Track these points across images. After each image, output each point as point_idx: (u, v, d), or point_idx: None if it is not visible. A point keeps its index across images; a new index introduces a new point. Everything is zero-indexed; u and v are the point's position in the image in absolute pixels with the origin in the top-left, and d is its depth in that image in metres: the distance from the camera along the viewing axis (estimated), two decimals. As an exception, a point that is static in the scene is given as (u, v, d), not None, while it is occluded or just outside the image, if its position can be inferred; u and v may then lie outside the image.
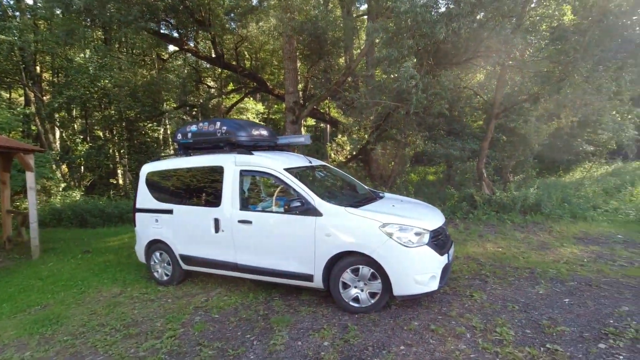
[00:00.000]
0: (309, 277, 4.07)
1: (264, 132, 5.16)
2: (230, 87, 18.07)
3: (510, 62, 8.76)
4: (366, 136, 10.91)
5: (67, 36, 11.09)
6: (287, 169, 4.37)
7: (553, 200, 8.56)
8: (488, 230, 7.32)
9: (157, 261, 5.28)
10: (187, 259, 4.93)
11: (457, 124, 15.79)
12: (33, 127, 16.29)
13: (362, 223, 3.81)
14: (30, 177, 7.16)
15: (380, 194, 5.08)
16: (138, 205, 5.42)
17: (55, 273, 6.00)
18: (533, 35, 8.58)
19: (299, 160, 4.91)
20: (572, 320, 3.48)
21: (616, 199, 9.22)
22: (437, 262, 3.74)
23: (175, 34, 12.26)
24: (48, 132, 16.26)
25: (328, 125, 21.45)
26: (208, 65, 17.66)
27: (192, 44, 13.54)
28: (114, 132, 15.70)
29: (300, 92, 15.59)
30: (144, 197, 5.34)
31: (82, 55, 14.15)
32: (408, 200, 5.01)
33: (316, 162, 5.25)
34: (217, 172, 4.74)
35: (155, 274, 5.30)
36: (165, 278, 5.21)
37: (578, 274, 4.71)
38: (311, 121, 23.41)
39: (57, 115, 16.05)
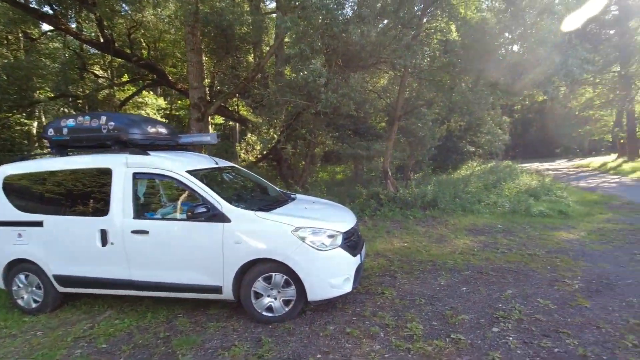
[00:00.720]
0: (217, 289, 3.69)
1: (163, 130, 4.57)
2: (125, 78, 16.10)
3: (410, 70, 9.48)
4: (275, 136, 10.71)
5: None
6: (190, 171, 3.91)
7: (447, 196, 9.51)
8: (394, 226, 7.75)
9: (21, 285, 4.28)
10: (65, 280, 4.08)
11: (363, 125, 16.62)
12: None
13: (273, 228, 3.58)
14: None
15: (292, 196, 4.92)
16: (-7, 218, 4.32)
17: None
18: (428, 46, 9.41)
19: (204, 161, 4.47)
20: (470, 308, 3.79)
21: (494, 193, 10.67)
22: (350, 263, 3.72)
23: (49, 10, 10.32)
24: None
25: (237, 124, 20.67)
26: (97, 51, 15.46)
27: (73, 25, 11.61)
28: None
29: (207, 88, 14.66)
30: (1, 207, 4.28)
31: None
32: (320, 202, 4.96)
33: (223, 162, 4.85)
34: (103, 176, 4.02)
35: (20, 301, 4.29)
36: (34, 305, 4.25)
37: (471, 263, 5.21)
38: (220, 119, 22.29)
39: None
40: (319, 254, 3.53)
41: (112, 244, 3.86)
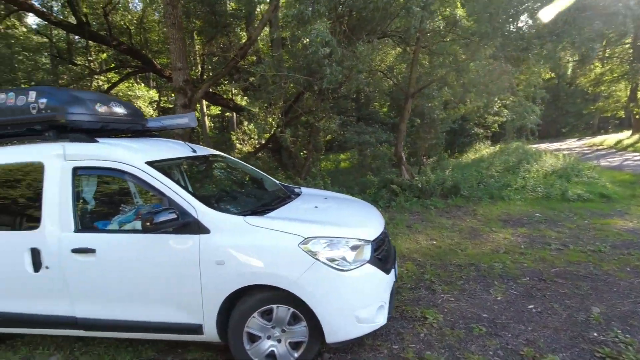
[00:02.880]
0: (195, 329, 2.60)
1: (119, 110, 3.41)
2: (105, 59, 14.82)
3: (424, 43, 8.28)
4: (273, 122, 9.55)
5: None
6: (152, 163, 2.79)
7: (471, 182, 8.38)
8: (414, 219, 6.64)
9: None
10: (-12, 318, 2.99)
11: (366, 109, 15.39)
12: None
13: (272, 240, 2.47)
14: None
15: (296, 190, 3.81)
16: None
17: None
18: (439, 16, 8.19)
19: (175, 149, 3.34)
20: (554, 340, 2.69)
21: (520, 176, 9.53)
22: (383, 284, 2.62)
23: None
24: None
25: (234, 114, 19.46)
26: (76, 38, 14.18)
27: (36, 3, 10.34)
28: None
29: (199, 72, 13.43)
30: None
31: None
32: (334, 197, 3.81)
33: (204, 150, 3.72)
34: (31, 174, 2.89)
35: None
36: (-44, 350, 3.17)
37: (525, 266, 4.11)
38: (216, 110, 21.08)
39: None
40: (339, 276, 2.42)
41: (46, 268, 2.75)
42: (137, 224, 2.74)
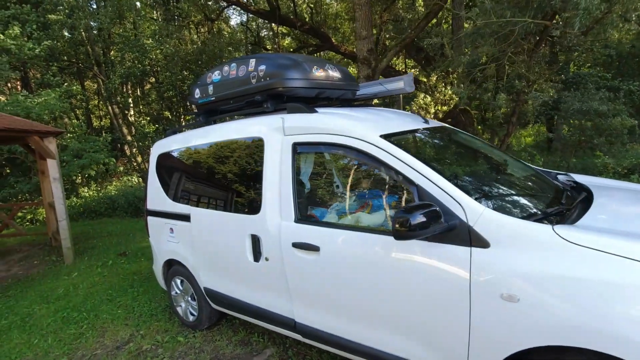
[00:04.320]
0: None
1: (335, 73, 2.84)
2: (287, 45, 15.86)
3: None
4: (454, 94, 7.99)
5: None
6: (387, 137, 2.05)
7: None
8: None
9: (178, 291, 3.43)
10: (215, 297, 2.95)
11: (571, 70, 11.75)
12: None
13: (614, 271, 1.35)
14: (52, 166, 5.85)
15: (561, 176, 2.54)
16: (149, 205, 3.56)
17: (70, 292, 4.57)
18: None
19: (406, 121, 2.54)
20: None
21: None
22: None
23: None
24: (118, 116, 15.92)
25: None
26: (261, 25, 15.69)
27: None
28: (172, 110, 14.67)
29: (374, 44, 12.84)
30: (156, 193, 3.44)
31: (130, 26, 13.01)
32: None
33: (432, 122, 2.82)
34: (253, 151, 2.59)
35: (179, 309, 3.46)
36: (191, 318, 3.33)
37: None
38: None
39: (120, 97, 15.51)
40: None
41: (266, 259, 2.42)
42: (364, 217, 2.07)
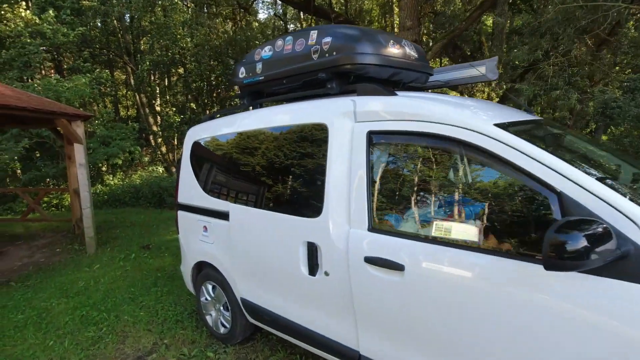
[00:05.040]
0: None
1: (412, 52, 2.36)
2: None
3: None
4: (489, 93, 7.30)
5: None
6: (503, 126, 1.55)
7: None
8: None
9: (209, 298, 3.02)
10: (254, 310, 2.51)
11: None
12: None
13: None
14: (79, 150, 5.59)
15: None
16: (180, 199, 3.16)
17: (91, 286, 4.25)
18: None
19: (502, 110, 2.03)
20: None
21: None
22: None
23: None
24: (145, 105, 15.89)
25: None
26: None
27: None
28: (199, 101, 14.46)
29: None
30: (189, 185, 3.04)
31: (161, 14, 12.83)
32: None
33: (531, 114, 2.28)
34: (311, 140, 2.13)
35: (208, 318, 3.05)
36: (222, 330, 2.92)
37: None
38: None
39: (148, 87, 15.45)
40: None
41: (325, 274, 1.96)
42: (457, 228, 1.57)
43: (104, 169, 12.79)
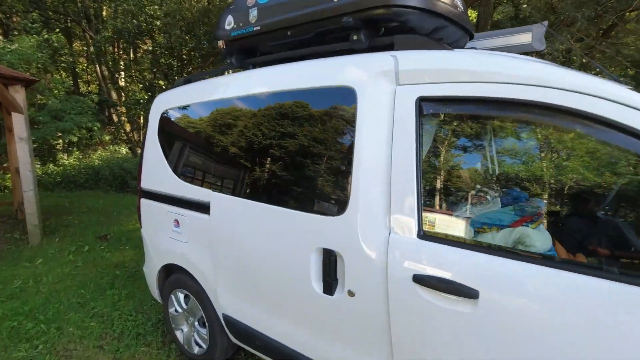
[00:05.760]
0: None
1: (460, 5, 1.83)
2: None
3: None
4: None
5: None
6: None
7: None
8: None
9: (180, 310, 2.40)
10: (241, 332, 1.94)
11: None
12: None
13: None
14: (18, 122, 4.68)
15: None
16: (144, 184, 2.50)
17: (29, 287, 3.50)
18: None
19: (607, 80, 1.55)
20: None
21: None
22: None
23: None
24: (107, 79, 14.47)
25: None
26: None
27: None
28: (169, 79, 13.30)
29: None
30: (155, 167, 2.38)
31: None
32: None
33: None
34: (332, 110, 1.55)
35: (179, 334, 2.44)
36: (196, 350, 2.32)
37: None
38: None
39: (110, 58, 14.04)
40: None
41: (349, 293, 1.42)
42: (530, 236, 1.08)
43: (58, 146, 11.50)
